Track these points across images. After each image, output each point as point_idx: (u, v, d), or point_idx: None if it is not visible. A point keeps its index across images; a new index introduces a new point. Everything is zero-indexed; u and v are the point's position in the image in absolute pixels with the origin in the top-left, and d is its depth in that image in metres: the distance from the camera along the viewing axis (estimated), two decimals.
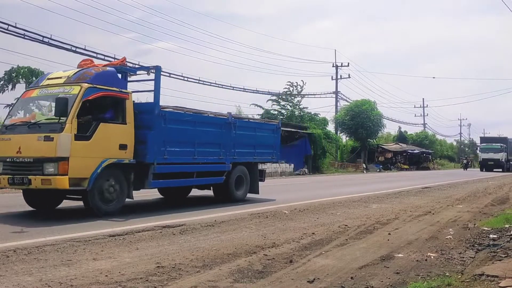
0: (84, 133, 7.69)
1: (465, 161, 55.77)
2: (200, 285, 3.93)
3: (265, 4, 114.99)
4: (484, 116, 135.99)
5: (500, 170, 43.05)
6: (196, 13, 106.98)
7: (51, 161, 7.32)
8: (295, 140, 31.87)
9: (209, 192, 11.38)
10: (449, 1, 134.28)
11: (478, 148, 50.80)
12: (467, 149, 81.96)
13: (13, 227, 6.86)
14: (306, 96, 39.40)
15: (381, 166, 43.28)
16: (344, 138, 45.78)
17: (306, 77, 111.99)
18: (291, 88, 38.02)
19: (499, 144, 45.79)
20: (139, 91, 10.27)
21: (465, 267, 4.70)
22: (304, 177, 27.32)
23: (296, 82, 38.51)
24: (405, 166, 49.01)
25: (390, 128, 61.77)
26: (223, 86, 35.49)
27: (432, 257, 5.10)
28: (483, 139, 52.42)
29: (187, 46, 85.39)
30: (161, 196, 11.48)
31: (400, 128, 63.51)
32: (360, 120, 40.97)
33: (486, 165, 44.60)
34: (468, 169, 50.05)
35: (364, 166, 40.86)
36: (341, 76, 45.04)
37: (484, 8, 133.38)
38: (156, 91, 9.07)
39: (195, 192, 11.61)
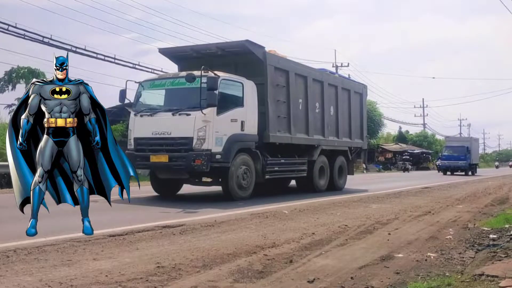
0: None
1: None
2: (200, 285, 3.93)
3: (265, 4, 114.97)
4: (484, 116, 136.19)
5: None
6: (196, 13, 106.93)
7: None
8: None
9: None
10: (449, 1, 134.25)
11: None
12: None
13: (13, 227, 6.85)
14: None
15: (381, 166, 43.28)
16: None
17: None
18: None
19: None
20: None
21: (465, 267, 4.70)
22: None
23: None
24: None
25: (390, 128, 61.71)
26: None
27: (432, 257, 5.10)
28: None
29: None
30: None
31: (400, 128, 63.45)
32: None
33: None
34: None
35: (364, 166, 40.83)
36: None
37: (484, 8, 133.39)
38: None
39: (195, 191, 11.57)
